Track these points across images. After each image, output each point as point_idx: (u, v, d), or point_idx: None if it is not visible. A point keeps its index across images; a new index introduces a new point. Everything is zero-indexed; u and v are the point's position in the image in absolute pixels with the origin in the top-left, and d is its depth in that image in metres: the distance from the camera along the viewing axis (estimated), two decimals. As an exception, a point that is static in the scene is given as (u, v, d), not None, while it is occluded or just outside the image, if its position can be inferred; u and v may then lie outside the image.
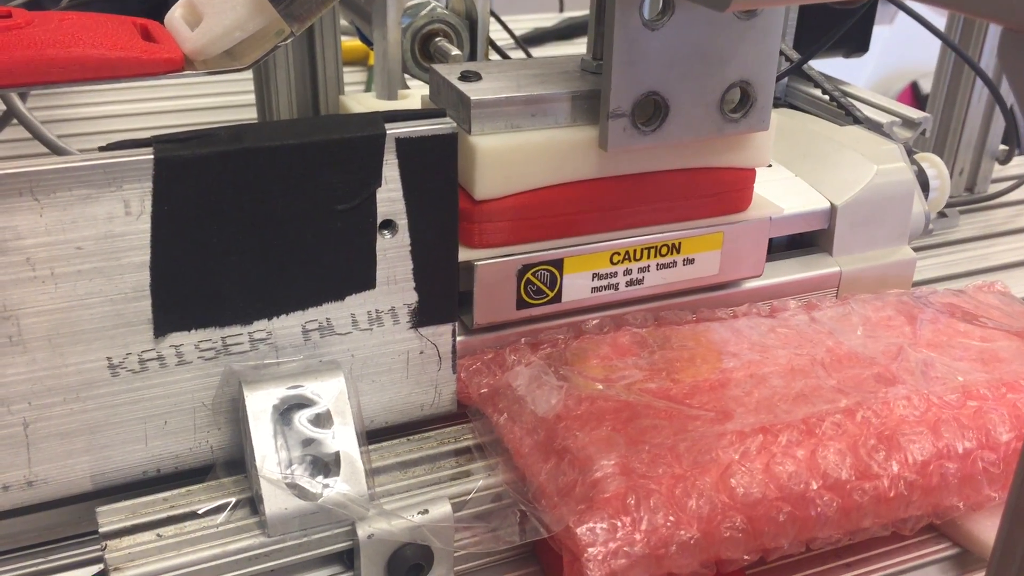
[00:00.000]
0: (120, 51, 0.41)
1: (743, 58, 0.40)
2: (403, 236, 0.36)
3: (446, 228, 0.37)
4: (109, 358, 0.33)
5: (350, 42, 0.84)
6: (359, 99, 0.53)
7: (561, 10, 1.18)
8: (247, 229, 0.34)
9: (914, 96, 1.85)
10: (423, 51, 0.62)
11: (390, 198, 0.35)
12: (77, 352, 0.33)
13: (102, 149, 0.32)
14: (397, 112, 0.35)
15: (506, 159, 0.39)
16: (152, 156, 0.32)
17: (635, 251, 0.43)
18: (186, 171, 0.32)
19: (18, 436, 0.33)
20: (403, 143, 0.35)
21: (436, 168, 0.36)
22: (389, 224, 0.36)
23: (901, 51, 1.57)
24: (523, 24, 1.03)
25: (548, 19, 1.09)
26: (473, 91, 0.39)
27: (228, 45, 0.42)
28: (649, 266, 0.43)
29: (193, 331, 0.34)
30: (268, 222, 0.34)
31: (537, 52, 0.97)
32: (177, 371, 0.35)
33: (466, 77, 0.41)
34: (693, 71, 0.39)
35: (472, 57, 0.60)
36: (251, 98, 0.62)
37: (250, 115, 0.78)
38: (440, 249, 0.37)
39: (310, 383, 0.35)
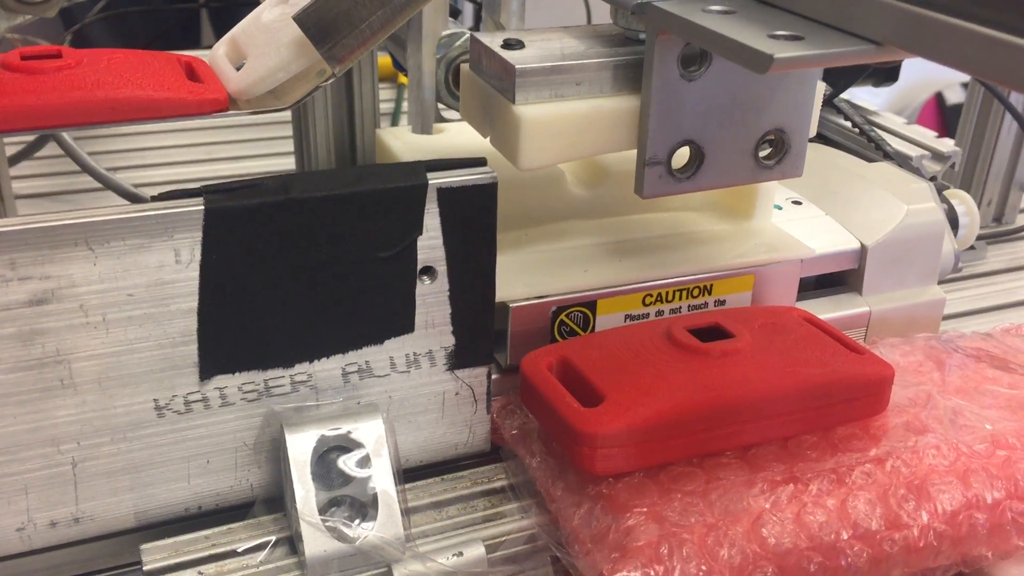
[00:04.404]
0: (167, 92, 0.42)
1: (778, 107, 0.41)
2: (442, 282, 0.37)
3: (484, 274, 0.37)
4: (156, 400, 0.34)
5: (380, 59, 0.85)
6: (395, 133, 0.54)
7: (589, 23, 1.19)
8: (291, 276, 0.35)
9: (938, 106, 1.84)
10: (457, 81, 0.62)
11: (430, 245, 0.36)
12: (125, 394, 0.34)
13: (154, 199, 0.33)
14: (438, 161, 0.36)
15: (551, 129, 0.39)
16: (203, 207, 0.33)
17: (667, 293, 0.43)
18: (235, 221, 0.33)
19: (66, 475, 0.34)
20: (444, 193, 0.35)
21: (476, 216, 0.36)
22: (429, 270, 0.36)
23: (927, 61, 1.57)
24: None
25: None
26: (518, 60, 0.39)
27: (272, 85, 0.43)
28: (681, 307, 0.44)
29: (237, 374, 0.35)
30: (311, 269, 0.35)
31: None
32: (220, 412, 0.35)
33: (509, 45, 0.40)
34: (729, 120, 0.40)
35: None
36: (282, 116, 0.63)
37: (282, 133, 0.79)
38: (478, 294, 0.38)
39: (349, 425, 0.36)
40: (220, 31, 1.47)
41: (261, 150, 0.79)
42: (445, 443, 0.40)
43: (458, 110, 0.63)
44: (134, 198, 0.66)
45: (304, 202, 0.34)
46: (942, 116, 1.81)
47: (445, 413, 0.39)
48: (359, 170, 0.36)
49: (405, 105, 0.90)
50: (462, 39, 0.61)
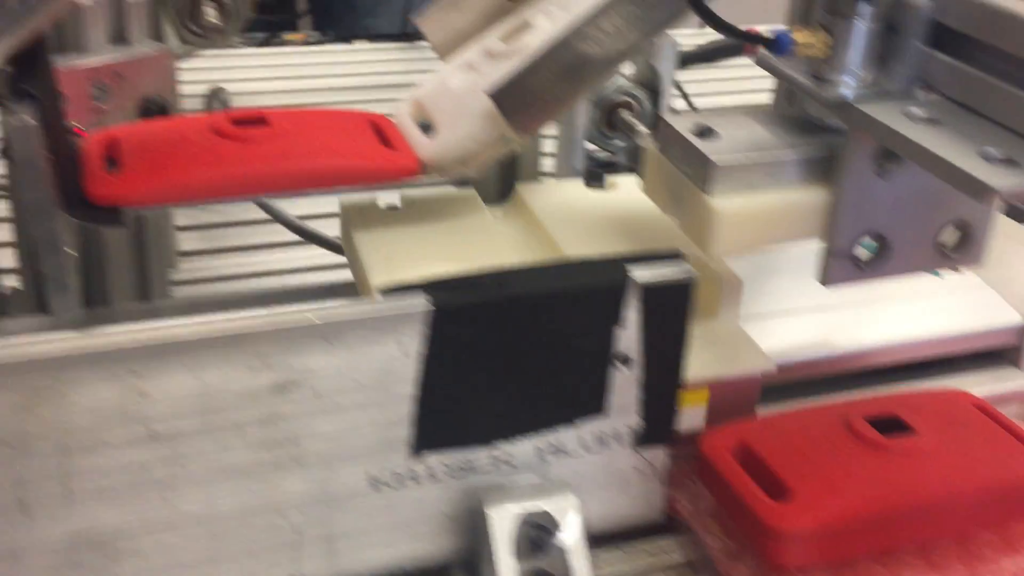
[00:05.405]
0: (367, 160, 0.44)
1: (964, 198, 0.41)
2: (635, 369, 0.38)
3: (674, 360, 0.39)
4: (371, 474, 0.37)
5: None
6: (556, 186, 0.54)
7: (703, 25, 1.17)
8: (498, 364, 0.37)
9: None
10: (607, 121, 0.63)
11: (627, 335, 0.38)
12: (346, 470, 0.36)
13: (383, 293, 0.35)
14: (636, 256, 0.38)
15: (744, 221, 0.40)
16: (429, 307, 0.35)
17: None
18: (456, 317, 0.35)
19: (287, 539, 0.37)
20: (645, 289, 0.37)
21: (673, 308, 0.38)
22: (624, 358, 0.38)
23: None
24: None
25: (685, 35, 1.08)
26: (714, 152, 0.39)
27: (461, 154, 0.45)
28: None
29: (443, 452, 0.37)
30: (517, 358, 0.37)
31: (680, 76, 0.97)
32: (427, 485, 0.38)
33: (702, 133, 0.41)
34: (915, 211, 0.41)
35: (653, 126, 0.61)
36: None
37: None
38: (667, 380, 0.39)
39: (544, 501, 0.38)
40: (316, 14, 1.48)
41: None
42: (623, 514, 0.41)
43: (608, 150, 0.64)
44: (295, 227, 0.69)
45: (520, 300, 0.36)
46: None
47: (626, 487, 0.41)
48: (564, 266, 0.38)
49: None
50: (617, 81, 0.62)
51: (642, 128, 0.60)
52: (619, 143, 0.63)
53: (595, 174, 0.57)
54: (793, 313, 0.52)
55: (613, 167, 0.64)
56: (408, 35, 1.19)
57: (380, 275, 0.43)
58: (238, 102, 0.91)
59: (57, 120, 0.40)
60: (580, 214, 0.50)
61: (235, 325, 0.33)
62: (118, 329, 0.32)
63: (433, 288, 0.35)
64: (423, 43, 1.17)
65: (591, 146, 0.64)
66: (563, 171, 0.62)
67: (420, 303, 0.35)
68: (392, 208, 0.49)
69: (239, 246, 0.74)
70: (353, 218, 0.48)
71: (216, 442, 0.34)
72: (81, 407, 0.32)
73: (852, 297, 0.50)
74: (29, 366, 0.31)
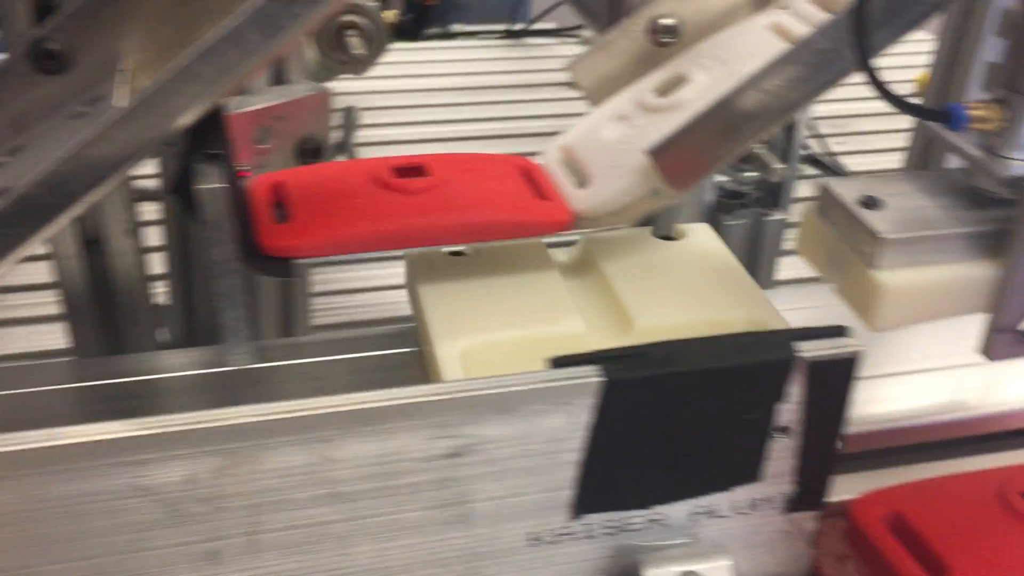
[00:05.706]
0: (524, 214, 0.45)
1: None
2: (793, 439, 0.39)
3: (833, 432, 0.39)
4: (531, 532, 0.38)
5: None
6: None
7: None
8: (661, 433, 0.37)
9: None
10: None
11: (789, 408, 0.38)
12: (508, 528, 0.38)
13: (555, 365, 0.36)
14: (801, 331, 0.38)
15: (909, 296, 0.40)
16: (601, 378, 0.35)
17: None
18: (625, 389, 0.36)
19: (450, 589, 0.38)
20: (811, 365, 0.37)
21: (835, 384, 0.38)
22: (784, 429, 0.38)
23: None
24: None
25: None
26: (881, 225, 0.39)
27: (615, 207, 0.46)
28: None
29: (601, 513, 0.38)
30: (679, 428, 0.37)
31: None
32: (583, 543, 0.39)
33: (867, 203, 0.41)
34: (1084, 288, 0.40)
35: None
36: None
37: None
38: (823, 450, 0.39)
39: (698, 563, 0.39)
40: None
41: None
42: (768, 573, 0.42)
43: (735, 180, 0.64)
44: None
45: (687, 375, 0.36)
46: None
47: (772, 548, 0.41)
48: (729, 340, 0.38)
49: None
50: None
51: (774, 163, 0.60)
52: (750, 174, 0.63)
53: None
54: (926, 372, 0.52)
55: (742, 198, 0.64)
56: (513, 32, 1.19)
57: (442, 336, 0.42)
58: (355, 101, 0.93)
59: (233, 172, 0.42)
60: (649, 269, 0.48)
61: (418, 397, 0.34)
62: (313, 401, 0.33)
63: (604, 360, 0.36)
64: (530, 40, 1.18)
65: (721, 177, 0.64)
66: (692, 201, 0.62)
67: (592, 376, 0.35)
68: (457, 255, 0.47)
69: (361, 259, 0.76)
70: (417, 267, 0.46)
71: (392, 502, 0.36)
72: (273, 470, 0.34)
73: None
74: (231, 433, 0.33)
